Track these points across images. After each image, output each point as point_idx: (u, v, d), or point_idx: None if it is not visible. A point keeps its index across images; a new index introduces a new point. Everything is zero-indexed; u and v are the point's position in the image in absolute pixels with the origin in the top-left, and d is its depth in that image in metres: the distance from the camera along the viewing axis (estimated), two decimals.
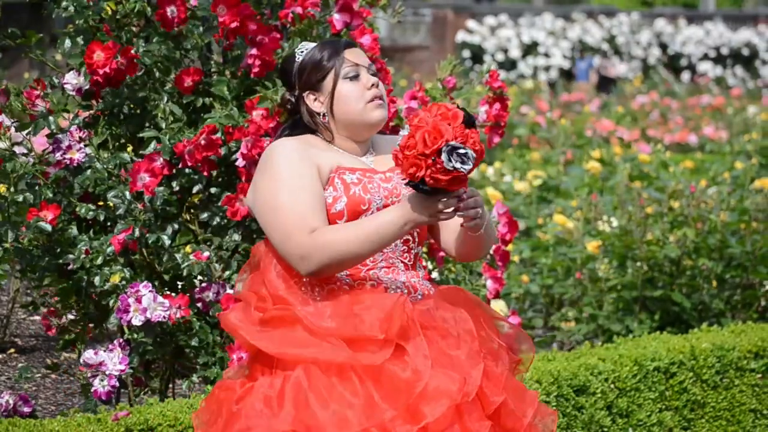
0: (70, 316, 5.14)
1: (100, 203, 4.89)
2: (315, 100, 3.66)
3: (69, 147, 4.82)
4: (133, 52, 4.85)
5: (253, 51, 4.85)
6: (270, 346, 3.48)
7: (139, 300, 4.60)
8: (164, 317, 4.62)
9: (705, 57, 29.53)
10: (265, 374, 3.50)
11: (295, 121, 3.72)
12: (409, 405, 3.37)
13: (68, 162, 4.83)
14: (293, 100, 3.69)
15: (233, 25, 4.80)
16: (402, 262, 3.62)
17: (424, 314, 3.52)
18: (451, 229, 3.68)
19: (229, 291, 4.79)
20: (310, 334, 3.45)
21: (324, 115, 3.66)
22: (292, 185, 3.51)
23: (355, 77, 3.65)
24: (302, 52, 3.69)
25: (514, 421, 3.54)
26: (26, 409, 4.81)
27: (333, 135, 3.67)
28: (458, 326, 3.55)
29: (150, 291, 4.62)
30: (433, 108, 3.38)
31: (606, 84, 25.83)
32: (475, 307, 3.67)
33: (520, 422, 3.55)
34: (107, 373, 4.54)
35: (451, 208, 3.42)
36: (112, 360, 4.55)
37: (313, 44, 3.72)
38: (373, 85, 3.66)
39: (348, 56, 3.66)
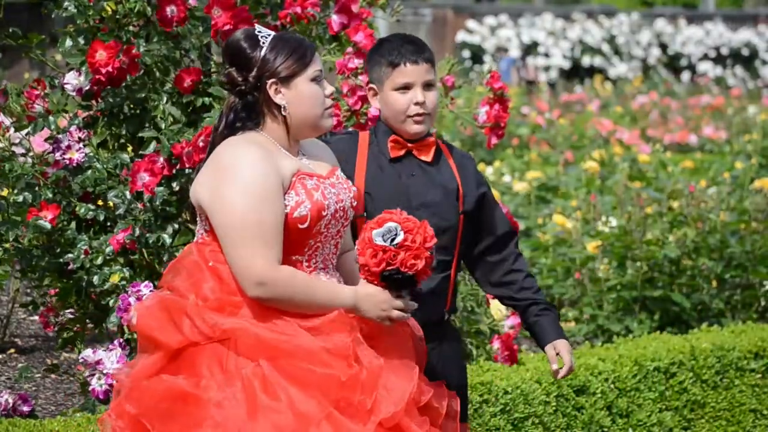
0: (69, 315, 5.14)
1: (100, 203, 4.89)
2: (277, 92, 3.63)
3: (69, 147, 4.82)
4: (134, 51, 4.85)
5: None
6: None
7: (139, 299, 4.59)
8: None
9: (705, 57, 29.52)
10: (213, 370, 3.47)
11: (238, 109, 3.66)
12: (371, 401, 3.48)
13: (68, 162, 4.83)
14: (251, 82, 3.63)
15: (226, 27, 4.79)
16: (331, 262, 3.72)
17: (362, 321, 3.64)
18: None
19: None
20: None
21: (285, 108, 3.64)
22: (263, 206, 3.52)
23: (320, 81, 3.68)
24: (265, 36, 3.64)
25: (434, 414, 3.65)
26: (26, 409, 4.81)
27: (287, 132, 3.66)
28: (395, 329, 3.67)
29: (151, 291, 4.61)
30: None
31: (526, 86, 25.51)
32: None
33: (438, 413, 3.67)
34: (105, 372, 4.54)
35: (397, 313, 3.59)
36: (110, 359, 4.55)
37: (270, 31, 3.67)
38: (331, 94, 3.72)
39: (316, 59, 3.69)
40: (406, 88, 3.99)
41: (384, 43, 4.06)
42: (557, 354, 4.01)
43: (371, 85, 4.05)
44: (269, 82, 3.63)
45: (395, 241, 3.56)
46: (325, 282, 3.61)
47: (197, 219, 3.69)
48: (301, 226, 3.58)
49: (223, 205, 3.53)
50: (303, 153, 3.73)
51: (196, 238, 3.69)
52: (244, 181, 3.52)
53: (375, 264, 3.56)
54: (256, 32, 3.65)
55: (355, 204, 3.76)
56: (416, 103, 3.98)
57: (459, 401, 3.80)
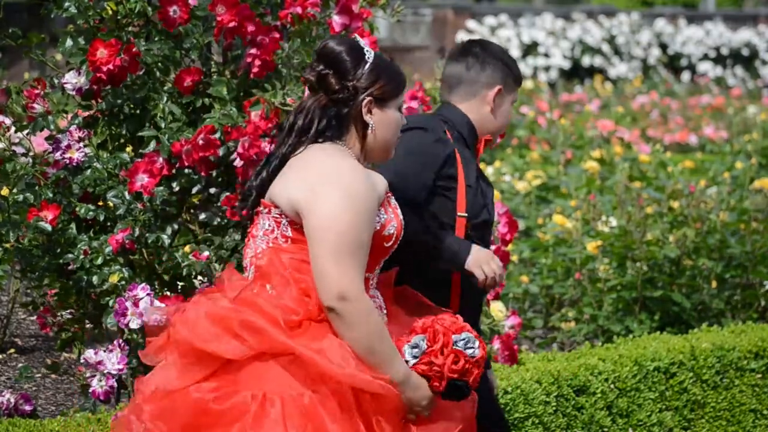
0: (67, 315, 5.14)
1: (100, 203, 4.89)
2: (369, 111, 3.64)
3: (68, 147, 4.82)
4: (135, 49, 4.85)
5: (253, 50, 4.84)
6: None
7: (136, 303, 4.59)
8: (161, 321, 4.61)
9: (705, 57, 29.50)
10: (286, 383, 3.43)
11: (331, 116, 3.63)
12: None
13: (68, 162, 4.83)
14: (349, 92, 3.62)
15: (231, 24, 4.79)
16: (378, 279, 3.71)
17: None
18: None
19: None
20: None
21: (372, 128, 3.64)
22: (364, 224, 3.47)
23: (402, 112, 3.73)
24: (369, 52, 3.65)
25: None
26: (27, 408, 4.81)
27: (365, 151, 3.66)
28: None
29: (147, 294, 4.61)
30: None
31: None
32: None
33: None
34: (105, 372, 4.54)
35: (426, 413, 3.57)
36: (111, 360, 4.55)
37: (368, 46, 3.68)
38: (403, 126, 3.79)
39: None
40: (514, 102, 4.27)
41: (509, 55, 4.23)
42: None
43: (500, 87, 4.16)
44: (366, 99, 3.62)
45: (473, 354, 3.53)
46: (391, 341, 3.52)
47: (264, 223, 3.60)
48: (386, 245, 3.58)
49: (325, 211, 3.45)
50: None
51: (264, 242, 3.59)
52: (352, 195, 3.46)
53: (451, 370, 3.51)
54: (361, 45, 3.66)
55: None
56: None
57: None
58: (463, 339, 3.53)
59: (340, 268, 3.41)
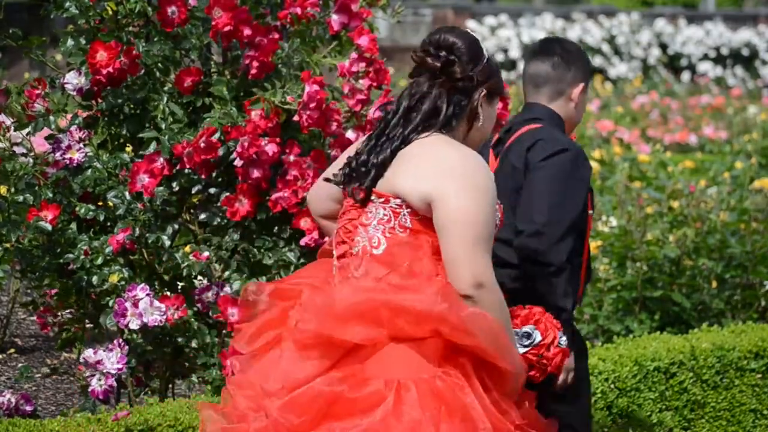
0: (67, 315, 5.14)
1: (100, 203, 4.89)
2: (480, 104, 3.66)
3: (69, 147, 4.83)
4: (134, 52, 4.85)
5: (251, 52, 4.84)
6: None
7: (136, 304, 4.59)
8: (161, 321, 4.61)
9: (705, 57, 29.52)
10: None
11: (455, 104, 3.62)
12: None
13: (68, 162, 4.83)
14: (475, 82, 3.64)
15: (226, 28, 4.79)
16: None
17: None
18: None
19: (227, 291, 4.79)
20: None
21: (480, 120, 3.67)
22: (492, 215, 3.51)
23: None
24: (484, 47, 3.68)
25: None
26: (28, 408, 4.80)
27: (464, 142, 3.65)
28: None
29: (147, 294, 4.61)
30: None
31: None
32: None
33: None
34: (105, 372, 4.54)
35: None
36: (110, 359, 4.55)
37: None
38: None
39: None
40: None
41: (584, 51, 4.26)
42: None
43: (583, 84, 4.22)
44: (483, 92, 3.66)
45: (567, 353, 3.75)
46: (512, 331, 3.61)
47: (379, 212, 3.57)
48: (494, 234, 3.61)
49: (460, 202, 3.46)
50: None
51: (378, 231, 3.57)
52: (480, 186, 3.49)
53: (556, 365, 3.67)
54: (478, 40, 3.68)
55: None
56: None
57: None
58: (564, 338, 3.67)
59: (476, 256, 3.44)
